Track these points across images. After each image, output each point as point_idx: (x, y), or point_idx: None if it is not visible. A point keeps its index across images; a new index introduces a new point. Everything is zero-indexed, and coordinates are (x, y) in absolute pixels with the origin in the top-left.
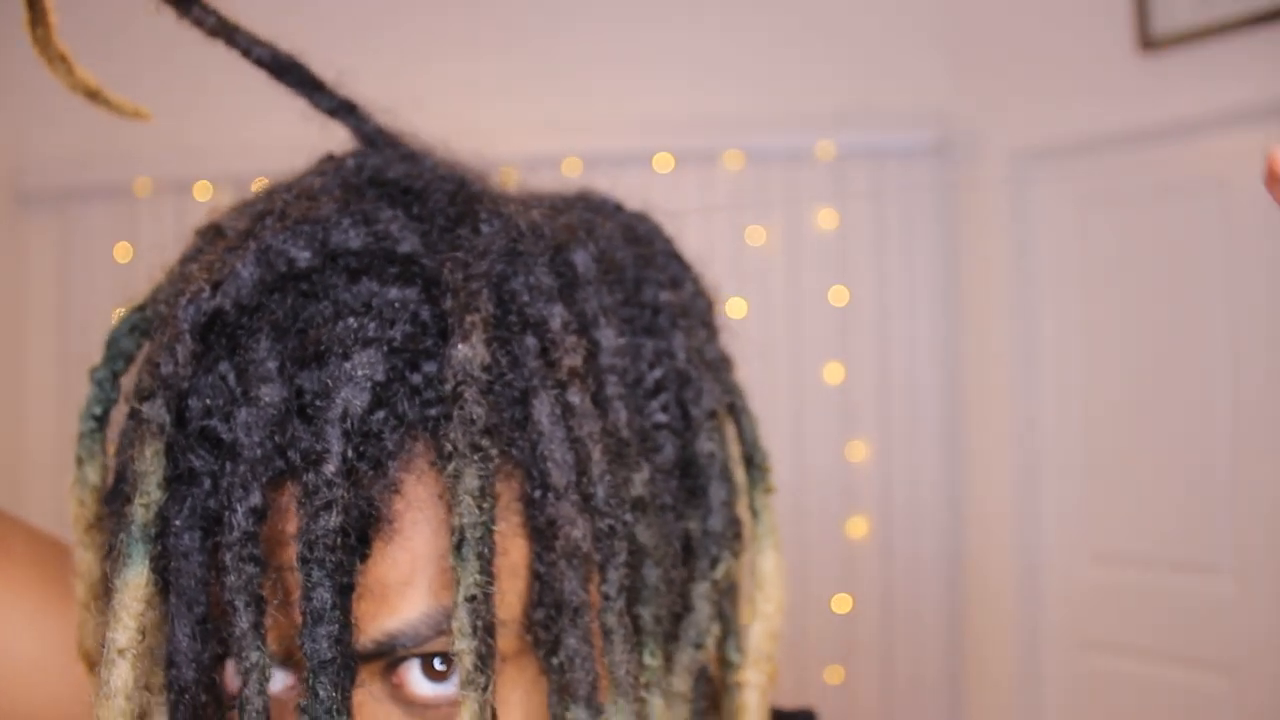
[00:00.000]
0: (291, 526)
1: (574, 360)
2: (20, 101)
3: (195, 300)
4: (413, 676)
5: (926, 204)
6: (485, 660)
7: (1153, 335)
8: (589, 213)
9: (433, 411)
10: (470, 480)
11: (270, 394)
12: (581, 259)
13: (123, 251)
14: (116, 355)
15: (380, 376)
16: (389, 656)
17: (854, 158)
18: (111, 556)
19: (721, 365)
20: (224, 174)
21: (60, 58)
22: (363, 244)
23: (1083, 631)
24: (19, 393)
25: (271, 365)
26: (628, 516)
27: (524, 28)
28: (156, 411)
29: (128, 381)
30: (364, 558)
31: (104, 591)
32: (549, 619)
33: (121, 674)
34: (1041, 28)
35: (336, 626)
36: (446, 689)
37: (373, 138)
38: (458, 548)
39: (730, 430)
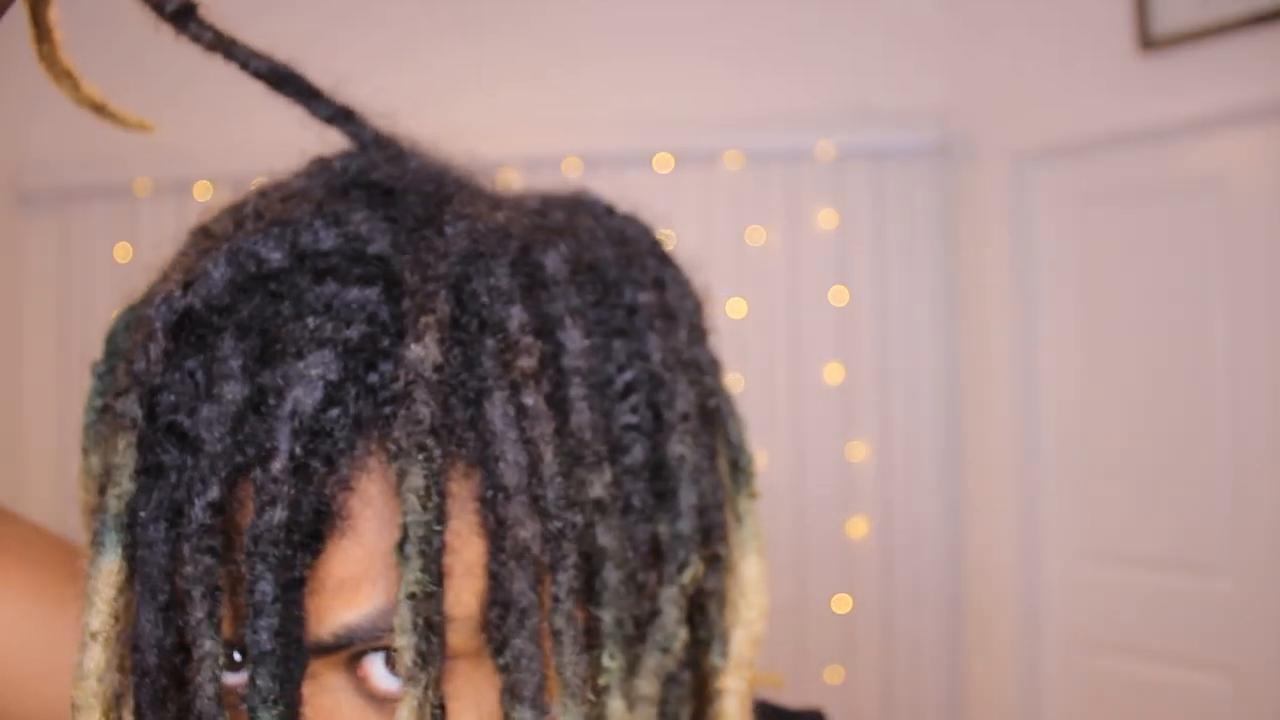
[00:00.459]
0: (248, 521)
1: (529, 362)
2: (20, 101)
3: (168, 300)
4: (376, 670)
5: (926, 204)
6: (426, 657)
7: (1152, 335)
8: (575, 213)
9: (387, 411)
10: (414, 479)
11: (232, 391)
12: (551, 260)
13: (123, 251)
14: (114, 351)
15: (334, 376)
16: (349, 649)
17: (854, 158)
18: (91, 544)
19: (704, 367)
20: (224, 174)
21: (66, 74)
22: (333, 245)
23: (1083, 631)
24: (18, 393)
25: (234, 364)
26: (578, 518)
27: (524, 28)
28: (129, 406)
29: (117, 374)
30: (316, 553)
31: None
32: (499, 618)
33: (94, 656)
34: (1041, 28)
35: (277, 619)
36: None
37: (369, 143)
38: (400, 545)
39: (716, 434)
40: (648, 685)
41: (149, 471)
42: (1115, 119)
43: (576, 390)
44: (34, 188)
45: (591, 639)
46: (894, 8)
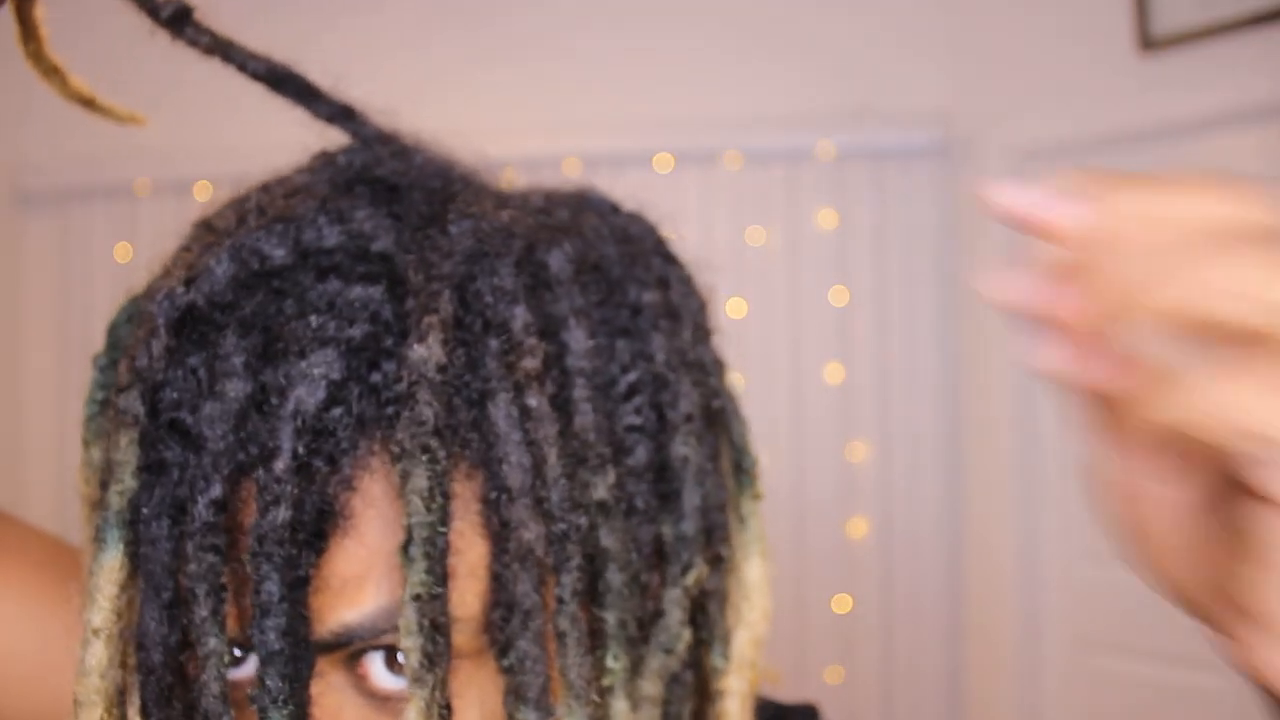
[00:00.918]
0: (251, 519)
1: (533, 363)
2: (20, 102)
3: (170, 295)
4: (375, 669)
5: (927, 204)
6: (432, 659)
7: None
8: (580, 211)
9: (389, 410)
10: (418, 480)
11: (234, 389)
12: (555, 259)
13: (123, 251)
14: (116, 343)
15: (337, 375)
16: (349, 648)
17: (854, 158)
18: (92, 540)
19: (708, 368)
20: (224, 174)
21: (54, 69)
22: (336, 242)
23: (1083, 631)
24: (18, 393)
25: (237, 361)
26: (582, 520)
27: (524, 28)
28: (131, 403)
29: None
30: (319, 552)
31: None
32: (503, 620)
33: (96, 653)
34: (1042, 28)
35: (284, 619)
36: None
37: (372, 139)
38: (405, 547)
39: (720, 435)
40: (651, 686)
41: (151, 468)
42: (1115, 119)
43: (580, 391)
44: (34, 188)
45: (595, 640)
46: (894, 7)
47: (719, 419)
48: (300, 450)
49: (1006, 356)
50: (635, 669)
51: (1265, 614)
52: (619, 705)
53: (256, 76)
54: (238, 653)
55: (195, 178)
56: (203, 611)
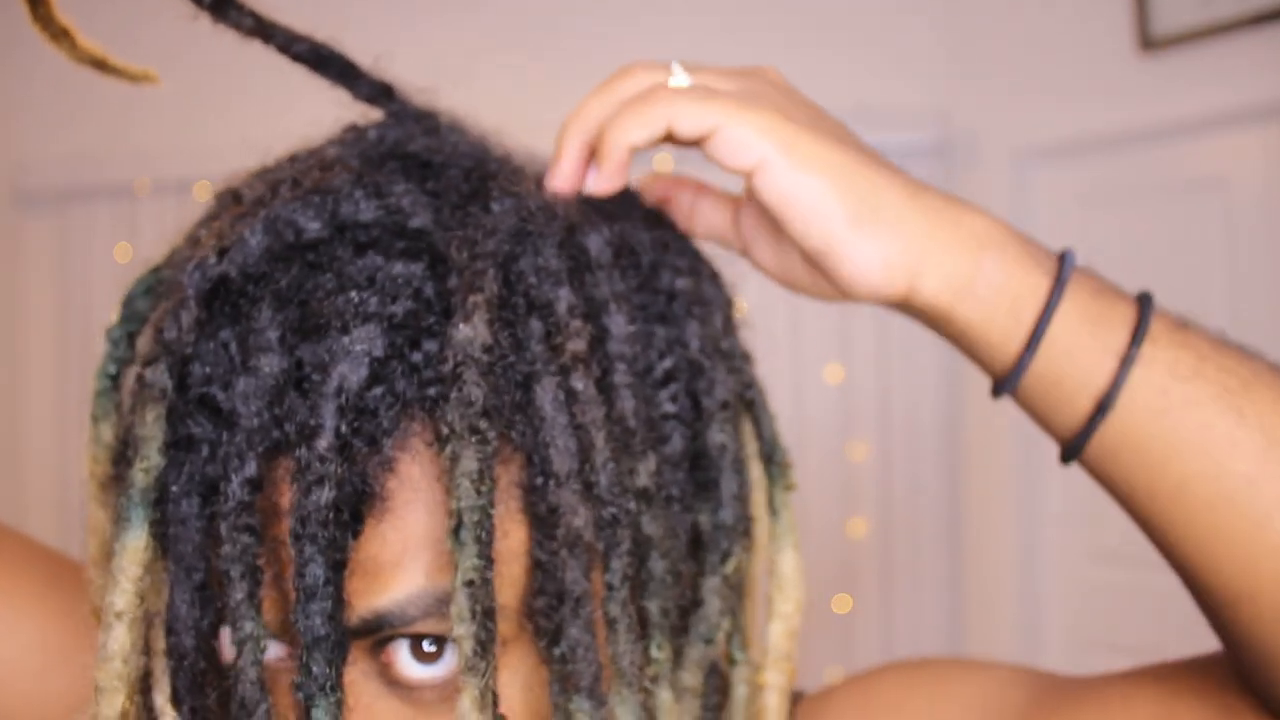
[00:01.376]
0: (286, 499)
1: (579, 345)
2: (20, 101)
3: (201, 266)
4: (401, 657)
5: None
6: (485, 646)
7: None
8: (610, 196)
9: (431, 391)
10: (468, 463)
11: (269, 364)
12: (595, 242)
13: (123, 251)
14: (131, 315)
15: (379, 352)
16: (377, 634)
17: None
18: (114, 520)
19: (738, 358)
20: (224, 174)
21: (63, 31)
22: (373, 217)
23: (1083, 631)
24: (18, 393)
25: (272, 335)
26: (631, 505)
27: (524, 28)
28: (159, 376)
29: (142, 342)
30: (356, 534)
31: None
32: (550, 608)
33: (119, 638)
34: (1042, 28)
35: (329, 603)
36: (435, 671)
37: (405, 118)
38: (455, 531)
39: (747, 426)
40: (691, 677)
41: (179, 445)
42: (1115, 119)
43: (621, 377)
44: (34, 188)
45: (641, 629)
46: (894, 7)
47: (751, 409)
48: (343, 429)
49: None
50: (677, 659)
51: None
52: (664, 695)
53: (299, 57)
54: None
55: (195, 178)
56: (238, 595)
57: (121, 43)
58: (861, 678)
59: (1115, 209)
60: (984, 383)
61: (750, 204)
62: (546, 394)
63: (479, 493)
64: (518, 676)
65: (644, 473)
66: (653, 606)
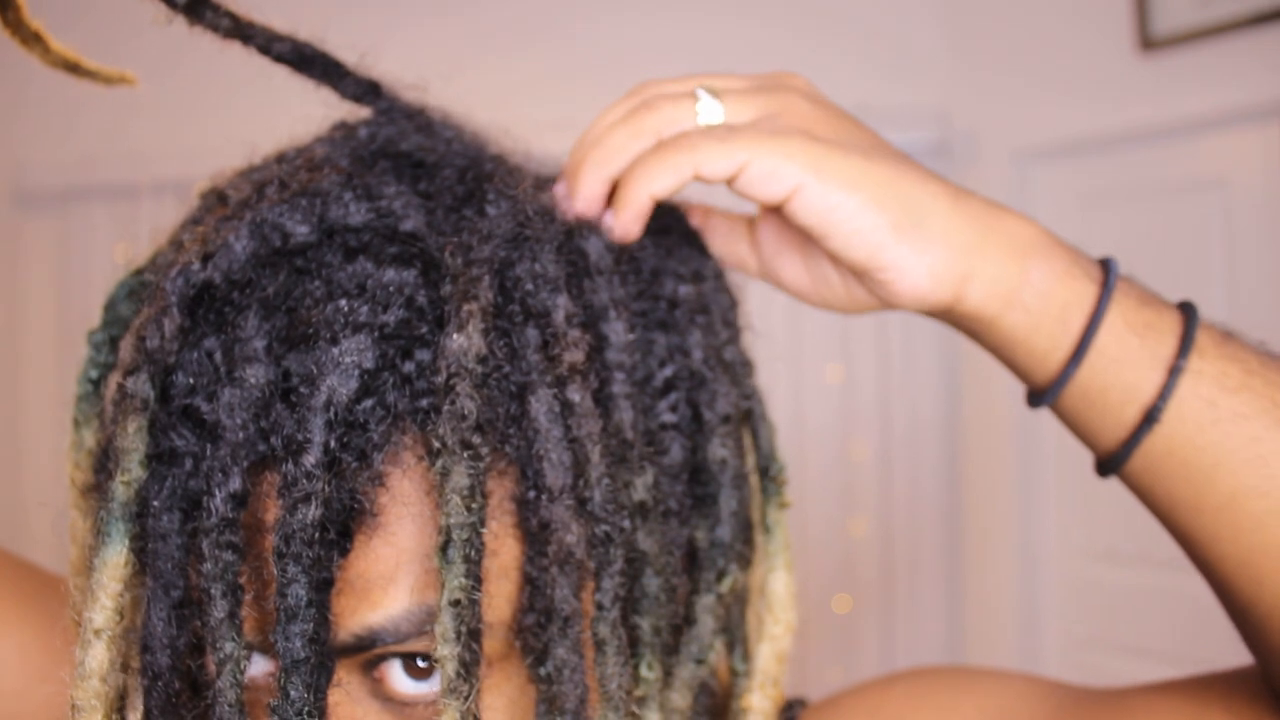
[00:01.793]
0: (272, 515)
1: (576, 356)
2: (20, 102)
3: (185, 272)
4: (394, 674)
5: None
6: (469, 667)
7: None
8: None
9: (423, 403)
10: (459, 479)
11: (255, 375)
12: (594, 247)
13: (123, 251)
14: (114, 320)
15: (369, 364)
16: (369, 652)
17: None
18: (94, 532)
19: (741, 368)
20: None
21: (35, 35)
22: (364, 220)
23: (1083, 631)
24: (18, 393)
25: (258, 344)
26: (625, 522)
27: (524, 28)
28: (140, 386)
29: (124, 349)
30: (345, 551)
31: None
32: (538, 626)
33: (97, 655)
34: (1042, 28)
35: (311, 625)
36: (428, 688)
37: (396, 113)
38: (443, 549)
39: (745, 437)
40: (680, 698)
41: (161, 458)
42: (1115, 119)
43: (619, 386)
44: (34, 188)
45: (631, 647)
46: (894, 7)
47: (749, 421)
48: (331, 444)
49: None
50: (667, 679)
51: (843, 259)
52: (651, 717)
53: (281, 58)
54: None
55: (195, 178)
56: (219, 613)
57: (122, 44)
58: (868, 687)
59: (1115, 209)
60: (984, 383)
61: (767, 223)
62: (541, 406)
63: (469, 509)
64: (504, 695)
65: (641, 486)
66: (645, 624)
